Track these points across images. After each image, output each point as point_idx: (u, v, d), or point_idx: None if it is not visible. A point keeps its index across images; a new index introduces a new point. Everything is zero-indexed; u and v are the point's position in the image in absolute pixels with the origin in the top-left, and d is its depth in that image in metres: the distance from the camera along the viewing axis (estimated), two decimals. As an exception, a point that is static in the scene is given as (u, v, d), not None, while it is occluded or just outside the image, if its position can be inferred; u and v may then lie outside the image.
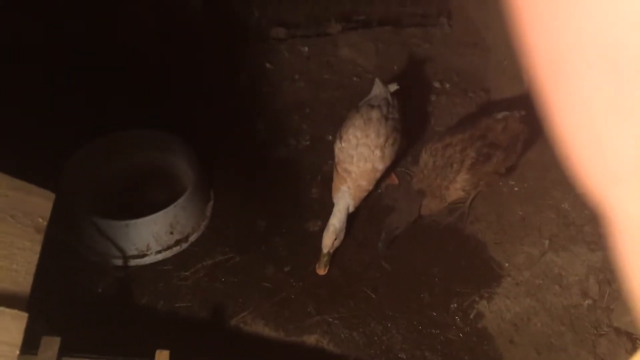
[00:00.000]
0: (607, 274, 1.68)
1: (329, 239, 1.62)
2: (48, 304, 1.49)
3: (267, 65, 2.29)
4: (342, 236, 1.65)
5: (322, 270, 1.66)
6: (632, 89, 0.18)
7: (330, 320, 1.62)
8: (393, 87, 1.90)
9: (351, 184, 1.66)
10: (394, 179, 1.91)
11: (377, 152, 1.68)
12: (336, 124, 1.88)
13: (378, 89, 1.85)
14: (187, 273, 1.70)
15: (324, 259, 1.65)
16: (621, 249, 0.21)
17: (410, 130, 1.91)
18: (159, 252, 1.70)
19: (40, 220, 1.05)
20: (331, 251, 1.65)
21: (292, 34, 2.42)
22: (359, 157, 1.67)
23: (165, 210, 1.66)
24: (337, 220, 1.63)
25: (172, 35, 2.27)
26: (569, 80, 0.19)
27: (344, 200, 1.65)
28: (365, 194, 1.70)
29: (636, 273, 0.21)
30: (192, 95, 2.15)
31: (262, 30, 2.45)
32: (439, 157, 1.66)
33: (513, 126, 1.73)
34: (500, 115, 1.75)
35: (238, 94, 2.20)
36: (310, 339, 1.59)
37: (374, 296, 1.67)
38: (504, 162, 1.73)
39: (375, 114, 1.74)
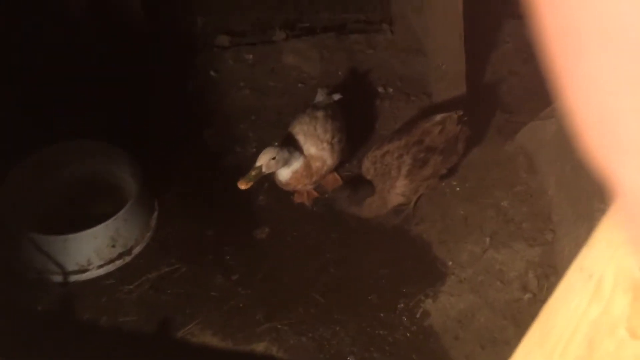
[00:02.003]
0: (545, 269, 1.75)
1: (267, 155, 1.60)
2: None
3: (212, 73, 2.28)
4: (279, 166, 1.64)
5: (243, 184, 1.58)
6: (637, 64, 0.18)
7: (280, 327, 1.62)
8: (336, 96, 1.94)
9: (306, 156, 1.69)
10: (337, 180, 1.92)
11: (326, 146, 1.72)
12: (282, 131, 1.89)
13: (321, 97, 1.89)
14: (131, 287, 1.66)
15: (252, 173, 1.59)
16: (627, 223, 0.22)
17: (353, 137, 1.93)
18: (100, 266, 1.66)
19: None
20: (263, 170, 1.61)
21: (236, 42, 2.42)
22: (310, 145, 1.71)
23: (106, 223, 1.62)
24: (281, 149, 1.64)
25: (113, 45, 2.23)
26: (580, 55, 0.19)
27: (296, 154, 1.68)
28: (311, 172, 1.71)
29: None
30: (135, 104, 2.11)
31: (207, 38, 2.43)
32: (379, 164, 1.70)
33: (450, 127, 1.78)
34: (438, 117, 1.79)
35: (183, 103, 2.17)
36: (259, 347, 1.58)
37: (323, 301, 1.67)
38: (443, 164, 1.78)
39: (320, 113, 1.81)
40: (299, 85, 2.27)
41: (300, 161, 1.70)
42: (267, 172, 1.63)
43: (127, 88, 2.14)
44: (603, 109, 0.20)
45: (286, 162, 1.67)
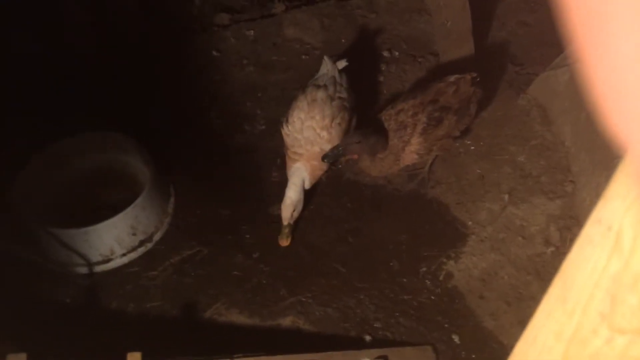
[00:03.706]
0: (567, 220, 1.73)
1: (287, 211, 1.64)
2: (13, 322, 1.47)
3: (214, 53, 2.25)
4: (300, 207, 1.66)
5: (284, 242, 1.68)
6: None
7: (304, 300, 1.63)
8: (342, 63, 1.88)
9: (305, 162, 1.66)
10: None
11: (324, 134, 1.68)
12: (289, 105, 1.86)
13: (326, 67, 1.83)
14: (155, 272, 1.68)
15: (285, 231, 1.68)
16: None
17: (361, 105, 1.88)
18: (123, 255, 1.68)
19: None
20: (291, 222, 1.67)
21: (236, 18, 2.38)
22: (306, 140, 1.68)
23: (124, 212, 1.63)
24: (292, 192, 1.64)
25: (114, 35, 2.21)
26: (602, 32, 0.20)
27: (299, 174, 1.67)
28: (320, 172, 1.71)
29: None
30: (141, 92, 2.11)
31: (206, 18, 2.40)
32: (393, 122, 1.67)
33: (464, 88, 1.74)
34: (452, 78, 1.75)
35: (188, 85, 2.16)
36: (286, 321, 1.60)
37: (344, 270, 1.68)
38: (457, 125, 1.74)
39: (320, 95, 1.73)
40: (303, 57, 2.23)
41: (306, 180, 1.68)
42: (293, 220, 1.67)
43: (131, 78, 2.13)
44: (621, 79, 0.20)
45: (302, 194, 1.67)
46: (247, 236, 1.75)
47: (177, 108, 2.07)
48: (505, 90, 2.06)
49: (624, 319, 0.29)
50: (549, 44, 2.18)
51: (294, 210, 1.65)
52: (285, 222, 1.66)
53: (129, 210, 1.65)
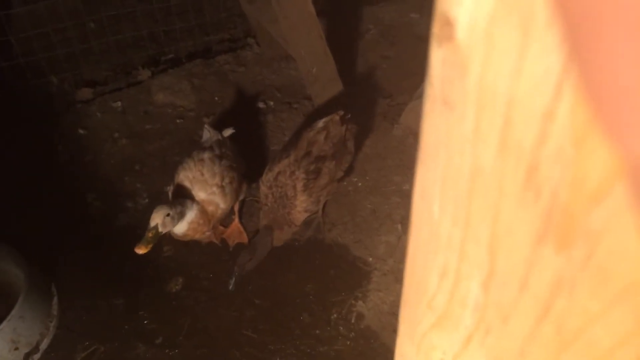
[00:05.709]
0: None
1: (160, 213, 1.48)
2: None
3: (81, 131, 2.13)
4: (175, 223, 1.54)
5: (142, 249, 1.45)
6: None
7: (218, 377, 1.54)
8: (228, 131, 1.83)
9: (200, 202, 1.62)
10: (242, 233, 1.83)
11: (216, 190, 1.64)
12: (171, 173, 1.79)
13: (208, 134, 1.78)
14: (47, 386, 1.51)
15: (149, 235, 1.47)
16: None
17: (248, 168, 1.84)
18: (6, 375, 1.49)
19: None
20: (161, 230, 1.49)
21: (100, 91, 2.28)
22: (198, 190, 1.63)
23: (0, 327, 1.46)
24: (173, 204, 1.54)
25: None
26: (602, 42, 0.19)
27: (189, 202, 1.59)
28: (207, 218, 1.64)
29: None
30: (6, 188, 1.92)
31: (67, 96, 2.27)
32: (274, 187, 1.64)
33: (335, 131, 1.74)
34: (320, 124, 1.74)
35: (58, 172, 2.01)
36: (203, 405, 1.49)
37: (255, 336, 1.62)
38: (338, 168, 1.76)
39: (207, 155, 1.69)
40: (178, 121, 2.18)
41: (194, 209, 1.60)
42: (164, 231, 1.51)
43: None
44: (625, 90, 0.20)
45: (181, 216, 1.57)
46: (146, 322, 1.64)
47: (50, 198, 1.91)
48: (381, 123, 2.14)
49: None
50: (411, 73, 2.31)
51: (168, 215, 1.50)
52: (152, 223, 1.48)
53: (4, 324, 1.47)
